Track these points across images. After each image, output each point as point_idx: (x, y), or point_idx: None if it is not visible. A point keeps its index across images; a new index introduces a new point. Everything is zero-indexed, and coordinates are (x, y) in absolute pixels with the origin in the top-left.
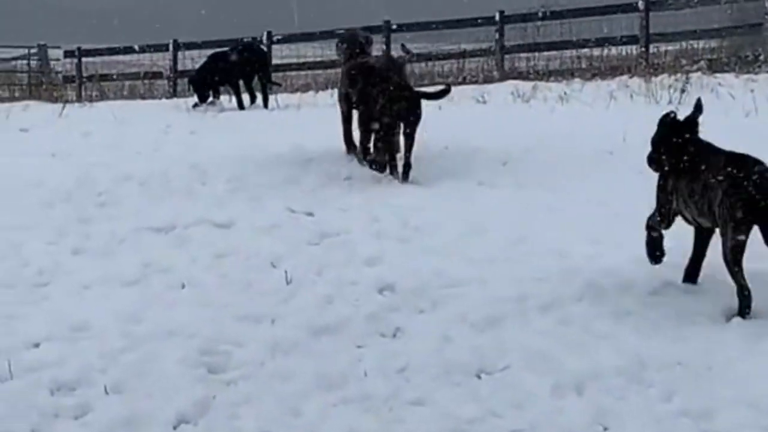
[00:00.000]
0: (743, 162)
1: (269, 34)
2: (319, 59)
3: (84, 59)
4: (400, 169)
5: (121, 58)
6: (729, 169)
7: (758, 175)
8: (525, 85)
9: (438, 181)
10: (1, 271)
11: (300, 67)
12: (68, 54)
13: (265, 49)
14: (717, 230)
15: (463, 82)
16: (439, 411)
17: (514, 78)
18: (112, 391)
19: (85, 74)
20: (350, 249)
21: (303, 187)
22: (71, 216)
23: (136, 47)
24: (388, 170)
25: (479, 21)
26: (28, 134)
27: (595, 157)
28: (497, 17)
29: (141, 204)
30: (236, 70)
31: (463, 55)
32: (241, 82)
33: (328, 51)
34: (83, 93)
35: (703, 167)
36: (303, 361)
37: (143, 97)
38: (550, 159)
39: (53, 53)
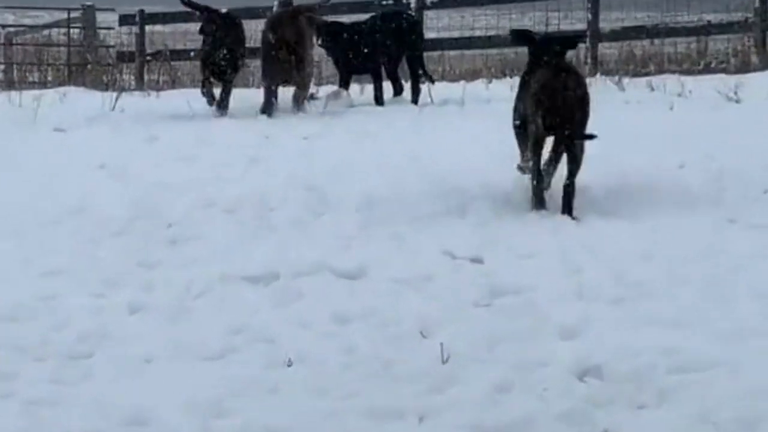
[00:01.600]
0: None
1: None
2: (491, 32)
3: (148, 28)
4: None
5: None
6: None
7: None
8: None
9: (669, 216)
10: (28, 337)
11: (465, 44)
12: (125, 20)
13: (416, 18)
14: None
15: (706, 69)
16: None
17: None
18: None
19: (149, 50)
20: (536, 314)
21: (468, 221)
22: (127, 257)
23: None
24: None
25: None
26: (65, 137)
27: None
28: None
29: (229, 242)
30: (377, 50)
31: (706, 30)
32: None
33: (506, 21)
34: (146, 77)
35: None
36: None
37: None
38: None
39: (104, 18)
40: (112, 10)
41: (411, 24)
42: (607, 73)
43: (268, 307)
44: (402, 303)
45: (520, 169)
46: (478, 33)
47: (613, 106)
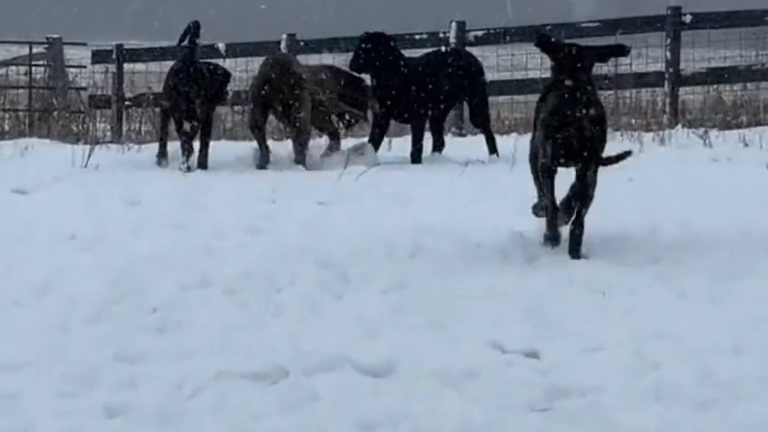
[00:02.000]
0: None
1: (461, 26)
2: (549, 74)
3: (127, 66)
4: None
5: None
6: None
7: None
8: None
9: (766, 298)
10: None
11: (517, 87)
12: (100, 57)
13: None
14: None
15: None
16: None
17: None
18: None
19: (128, 93)
20: (605, 419)
21: (519, 304)
22: (104, 348)
23: (221, 46)
24: None
25: None
26: (27, 200)
27: None
28: None
29: (228, 330)
30: (431, 96)
31: None
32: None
33: None
34: (125, 126)
35: None
36: None
37: (233, 137)
38: None
39: (73, 54)
40: (84, 44)
41: (473, 65)
42: (690, 124)
43: (276, 411)
44: (440, 406)
45: (534, 211)
46: (531, 74)
47: (698, 164)
